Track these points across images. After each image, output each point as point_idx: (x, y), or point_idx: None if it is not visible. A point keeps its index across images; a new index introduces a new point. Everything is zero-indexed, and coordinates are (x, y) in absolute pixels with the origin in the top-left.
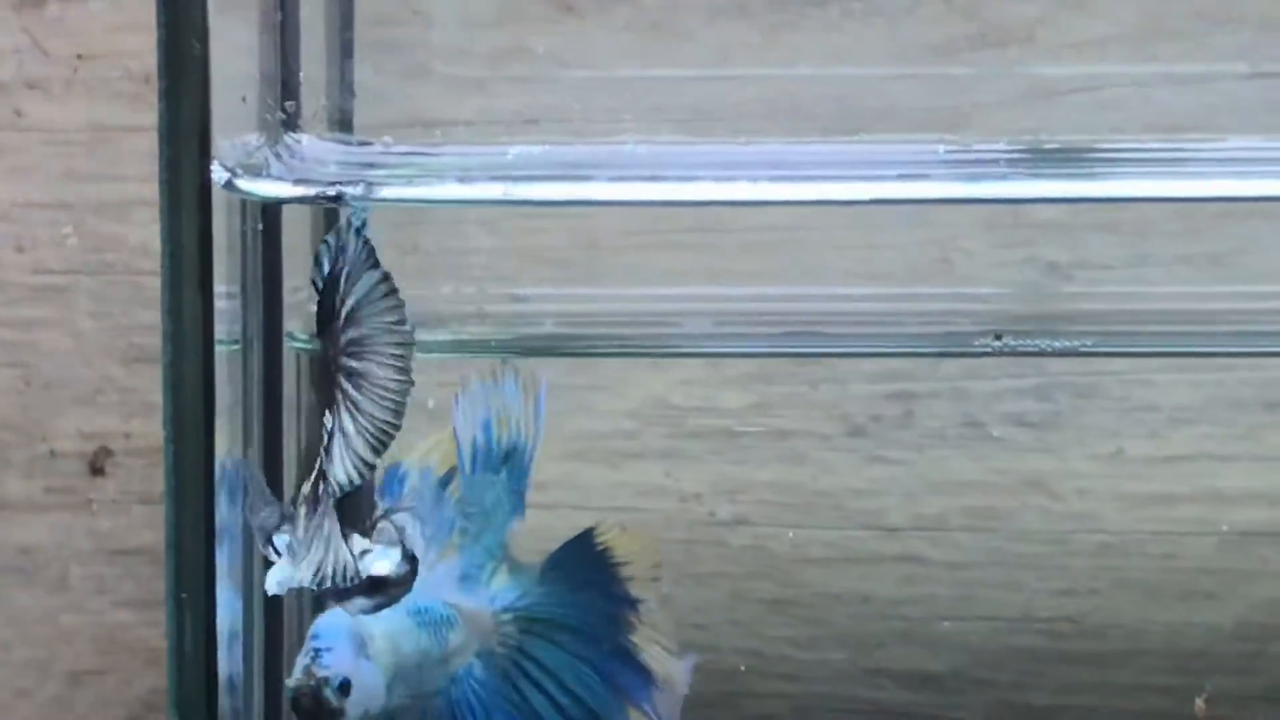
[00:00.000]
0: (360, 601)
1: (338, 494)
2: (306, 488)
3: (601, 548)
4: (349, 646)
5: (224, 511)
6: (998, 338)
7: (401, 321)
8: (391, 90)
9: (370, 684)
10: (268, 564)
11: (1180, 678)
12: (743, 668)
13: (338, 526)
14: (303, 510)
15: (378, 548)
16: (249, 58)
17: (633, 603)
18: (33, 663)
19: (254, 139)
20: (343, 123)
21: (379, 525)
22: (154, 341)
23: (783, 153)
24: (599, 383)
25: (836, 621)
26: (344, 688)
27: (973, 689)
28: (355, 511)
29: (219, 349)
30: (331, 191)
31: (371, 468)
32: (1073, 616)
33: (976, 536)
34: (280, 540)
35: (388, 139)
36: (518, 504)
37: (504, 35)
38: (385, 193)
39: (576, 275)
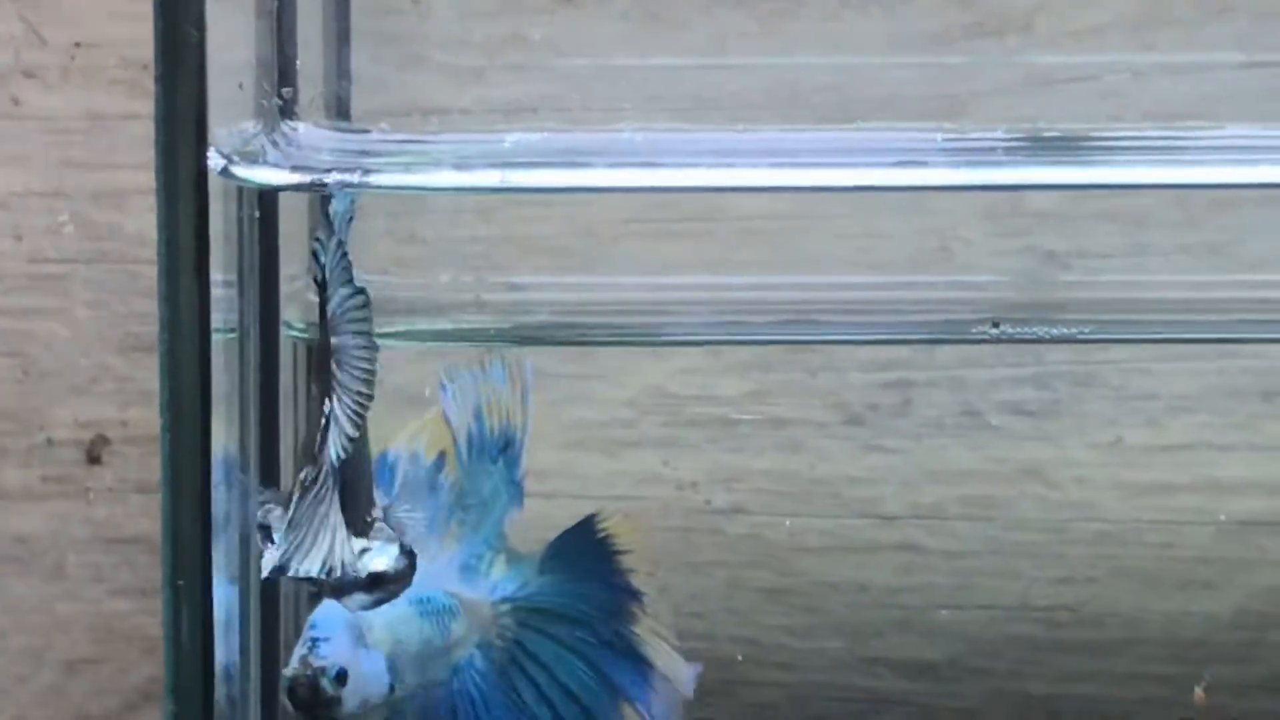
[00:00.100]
0: (359, 597)
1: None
2: (305, 473)
3: (603, 535)
4: (347, 637)
5: (221, 500)
6: (995, 325)
7: (352, 282)
8: (389, 79)
9: (369, 673)
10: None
11: (1178, 666)
12: (739, 657)
13: (341, 517)
14: (306, 497)
15: (376, 544)
16: (246, 45)
17: (635, 594)
18: (29, 651)
19: (251, 126)
20: (340, 111)
21: (376, 523)
22: (151, 330)
23: (780, 140)
24: (597, 371)
25: (833, 610)
26: (340, 678)
27: (970, 678)
28: (353, 509)
29: (216, 337)
30: (328, 178)
31: (353, 441)
32: (1070, 605)
33: (974, 525)
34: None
35: (384, 126)
36: (516, 494)
37: (502, 24)
38: (382, 180)
39: (574, 264)
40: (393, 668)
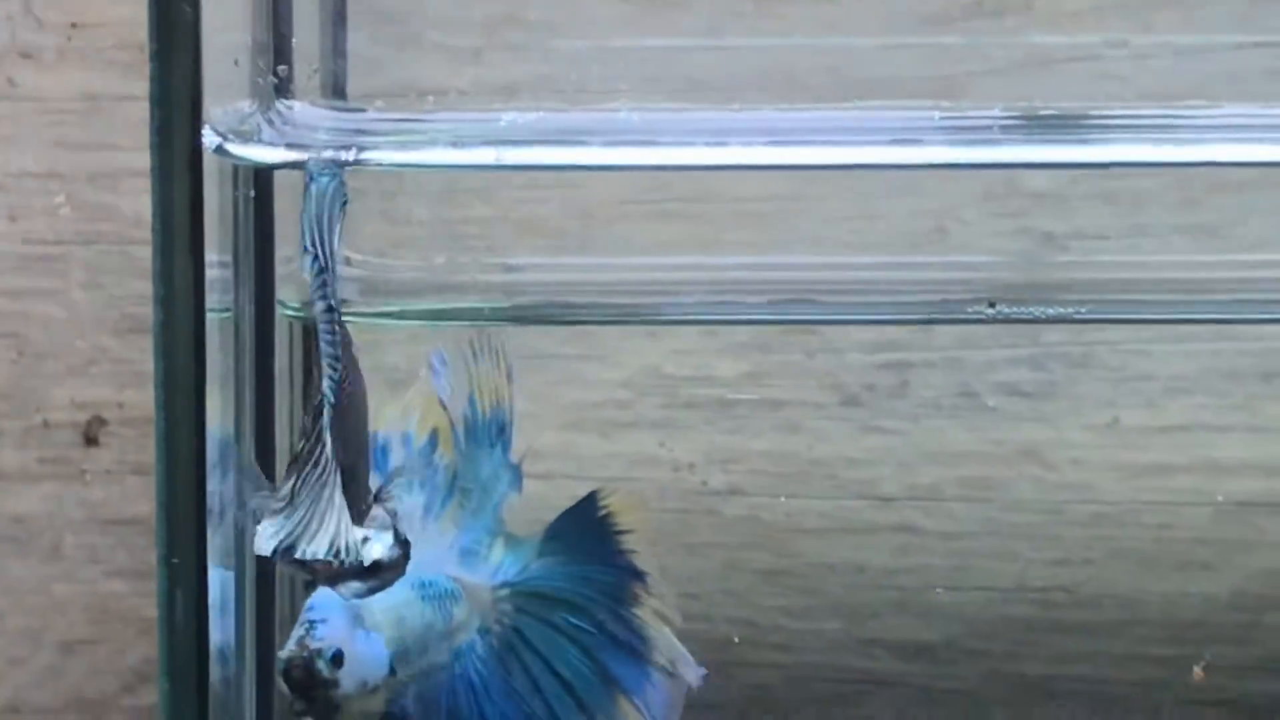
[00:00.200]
0: (354, 585)
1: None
2: (302, 446)
3: (604, 514)
4: (344, 619)
5: (216, 482)
6: (991, 306)
7: (308, 250)
8: (385, 58)
9: (368, 655)
10: None
11: (1175, 648)
12: (736, 638)
13: (344, 499)
14: (307, 477)
15: (371, 532)
16: (241, 23)
17: (639, 574)
18: (25, 632)
19: (246, 105)
20: (335, 90)
21: (371, 511)
22: (147, 311)
23: (777, 119)
24: (593, 352)
25: (830, 591)
26: (337, 659)
27: (967, 659)
28: (351, 495)
29: (211, 316)
30: (325, 155)
31: (328, 403)
32: (1067, 586)
33: (971, 506)
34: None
35: (380, 104)
36: (514, 478)
37: (498, 4)
38: (377, 157)
39: (570, 245)
40: (395, 651)
